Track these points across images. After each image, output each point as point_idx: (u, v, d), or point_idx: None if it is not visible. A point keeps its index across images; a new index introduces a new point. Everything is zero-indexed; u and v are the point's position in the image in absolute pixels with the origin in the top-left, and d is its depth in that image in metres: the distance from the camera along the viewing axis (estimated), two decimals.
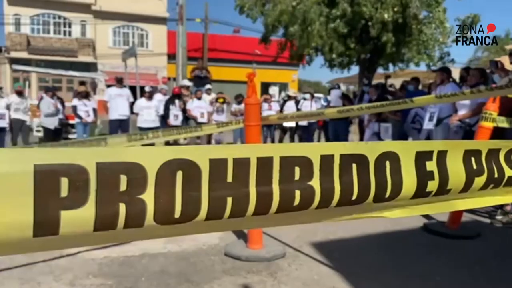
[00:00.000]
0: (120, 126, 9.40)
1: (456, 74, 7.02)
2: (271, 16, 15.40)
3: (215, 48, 28.48)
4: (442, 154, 1.16)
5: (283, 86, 34.80)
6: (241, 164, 0.83)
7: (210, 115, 10.82)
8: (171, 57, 27.18)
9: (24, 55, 23.77)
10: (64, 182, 0.66)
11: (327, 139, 10.93)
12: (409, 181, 1.10)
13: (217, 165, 0.80)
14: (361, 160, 1.00)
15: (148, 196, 0.75)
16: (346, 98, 9.97)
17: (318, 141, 11.41)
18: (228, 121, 3.62)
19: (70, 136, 10.46)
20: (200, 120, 10.56)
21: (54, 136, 9.11)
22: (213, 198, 0.80)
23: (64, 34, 25.58)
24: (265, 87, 33.71)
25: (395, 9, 14.37)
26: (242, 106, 11.19)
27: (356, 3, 14.79)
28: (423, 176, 1.12)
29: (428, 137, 7.50)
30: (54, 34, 25.43)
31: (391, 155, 1.06)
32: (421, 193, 1.13)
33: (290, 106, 10.35)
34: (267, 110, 10.92)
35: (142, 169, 0.73)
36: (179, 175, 0.76)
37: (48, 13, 25.28)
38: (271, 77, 32.07)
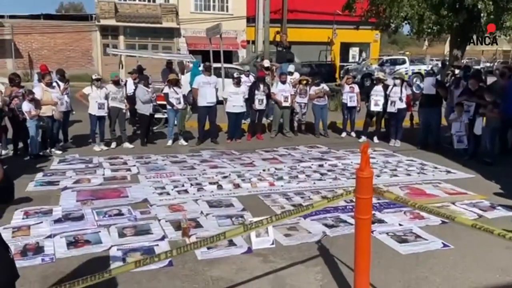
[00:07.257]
0: (208, 113, 9.73)
1: None
2: None
3: (294, 9, 27.65)
4: None
5: (364, 47, 33.31)
6: None
7: (293, 97, 10.77)
8: (250, 20, 26.94)
9: (112, 22, 24.84)
10: None
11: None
12: None
13: None
14: None
15: None
16: (440, 86, 9.43)
17: (411, 126, 10.84)
18: (338, 194, 3.54)
19: (160, 116, 10.99)
20: (284, 104, 10.58)
21: (149, 121, 9.69)
22: None
23: (149, 0, 26.24)
24: (345, 48, 32.46)
25: None
26: (321, 86, 10.99)
27: None
28: None
29: None
30: (140, 0, 26.15)
31: None
32: None
33: (378, 91, 9.99)
34: (349, 93, 10.63)
35: None
36: None
37: None
38: (352, 37, 30.62)
